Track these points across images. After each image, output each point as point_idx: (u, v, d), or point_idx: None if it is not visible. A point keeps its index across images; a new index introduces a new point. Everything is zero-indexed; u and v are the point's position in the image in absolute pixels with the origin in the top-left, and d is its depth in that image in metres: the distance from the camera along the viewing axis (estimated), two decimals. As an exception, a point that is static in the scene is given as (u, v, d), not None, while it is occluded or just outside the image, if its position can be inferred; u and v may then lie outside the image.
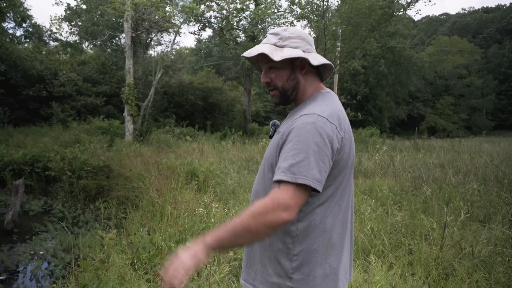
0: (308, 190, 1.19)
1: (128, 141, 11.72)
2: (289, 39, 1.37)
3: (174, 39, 15.37)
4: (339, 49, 16.94)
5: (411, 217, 4.77)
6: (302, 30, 1.44)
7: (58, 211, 7.04)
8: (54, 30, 27.24)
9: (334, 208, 1.31)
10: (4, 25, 23.88)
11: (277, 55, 1.32)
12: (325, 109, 1.27)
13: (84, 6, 23.96)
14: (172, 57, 26.18)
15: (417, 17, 74.66)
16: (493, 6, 75.75)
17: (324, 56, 16.05)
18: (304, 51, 1.36)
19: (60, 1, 19.42)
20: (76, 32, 26.92)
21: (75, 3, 22.44)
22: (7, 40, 18.19)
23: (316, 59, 1.36)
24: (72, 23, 25.89)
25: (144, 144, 11.93)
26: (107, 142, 11.19)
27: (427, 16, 77.16)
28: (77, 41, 28.27)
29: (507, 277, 2.99)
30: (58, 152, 8.96)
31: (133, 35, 11.92)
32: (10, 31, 27.51)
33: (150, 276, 2.87)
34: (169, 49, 19.15)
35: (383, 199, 5.88)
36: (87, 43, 29.05)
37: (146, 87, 22.18)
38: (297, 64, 1.39)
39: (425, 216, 4.82)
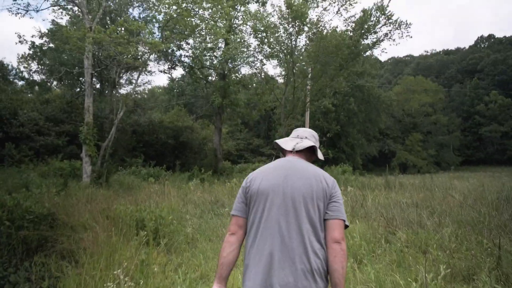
0: (232, 215, 2.03)
1: (85, 184, 10.75)
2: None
3: (138, 76, 14.75)
4: (309, 87, 16.79)
5: (385, 273, 4.12)
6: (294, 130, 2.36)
7: (-15, 270, 5.99)
8: (22, 68, 26.43)
9: (250, 233, 1.91)
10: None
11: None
12: (259, 168, 2.08)
13: (51, 45, 23.33)
14: (138, 96, 25.61)
15: (383, 58, 77.84)
16: (453, 48, 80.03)
17: (293, 93, 15.84)
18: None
19: (24, 40, 18.67)
20: (44, 71, 26.12)
21: (40, 41, 21.72)
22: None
23: (279, 143, 2.22)
24: (40, 62, 25.15)
25: (103, 187, 10.98)
26: (60, 185, 10.19)
27: (393, 58, 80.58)
28: (45, 79, 27.41)
29: None
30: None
31: (92, 72, 11.25)
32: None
33: None
34: (132, 86, 18.44)
35: (355, 248, 5.22)
36: (55, 82, 28.22)
37: (112, 126, 21.32)
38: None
39: (401, 271, 4.18)
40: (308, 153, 2.18)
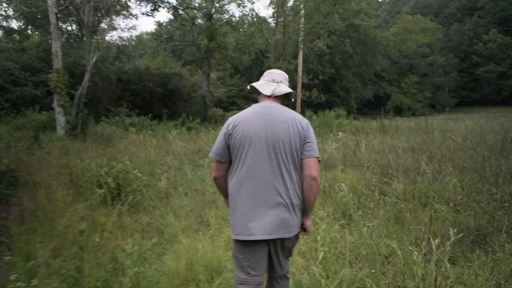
0: (216, 160, 2.16)
1: (59, 136, 9.88)
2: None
3: (110, 17, 13.02)
4: (301, 25, 15.37)
5: (379, 234, 3.39)
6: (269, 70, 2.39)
7: None
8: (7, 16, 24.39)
9: (234, 176, 2.09)
10: None
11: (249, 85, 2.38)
12: (237, 114, 2.19)
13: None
14: (125, 42, 23.96)
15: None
16: (453, -15, 75.55)
17: (284, 33, 14.52)
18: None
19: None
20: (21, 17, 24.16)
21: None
22: None
23: (257, 88, 2.24)
24: (15, 7, 23.15)
25: (78, 139, 10.12)
26: (30, 138, 9.33)
27: (391, -3, 76.30)
28: (21, 26, 25.48)
29: None
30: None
31: (56, 12, 9.90)
32: None
33: None
34: (112, 31, 16.87)
35: (344, 203, 4.49)
36: (35, 30, 26.24)
37: (95, 74, 19.99)
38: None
39: (398, 231, 3.45)
40: (282, 96, 2.25)
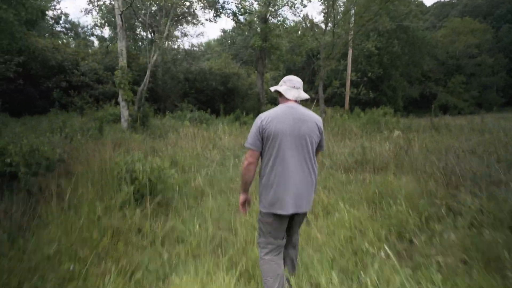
0: (251, 149, 2.16)
1: (121, 128, 9.32)
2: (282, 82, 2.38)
3: (168, 20, 12.05)
4: (351, 25, 13.53)
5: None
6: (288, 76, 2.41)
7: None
8: (97, 25, 25.27)
9: (269, 162, 2.15)
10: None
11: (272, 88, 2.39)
12: (267, 112, 2.20)
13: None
14: (195, 48, 23.52)
15: (428, 2, 66.67)
16: (504, -13, 66.33)
17: (333, 32, 12.81)
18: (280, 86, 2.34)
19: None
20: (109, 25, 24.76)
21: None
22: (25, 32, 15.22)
23: (274, 88, 2.34)
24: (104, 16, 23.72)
25: (138, 131, 9.48)
26: (96, 129, 8.81)
27: (438, 1, 69.03)
28: (111, 34, 26.18)
29: None
30: (20, 144, 6.62)
31: (120, 13, 9.29)
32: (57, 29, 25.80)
33: None
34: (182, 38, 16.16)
35: (399, 221, 3.07)
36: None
37: (165, 73, 19.75)
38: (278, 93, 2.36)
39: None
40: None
